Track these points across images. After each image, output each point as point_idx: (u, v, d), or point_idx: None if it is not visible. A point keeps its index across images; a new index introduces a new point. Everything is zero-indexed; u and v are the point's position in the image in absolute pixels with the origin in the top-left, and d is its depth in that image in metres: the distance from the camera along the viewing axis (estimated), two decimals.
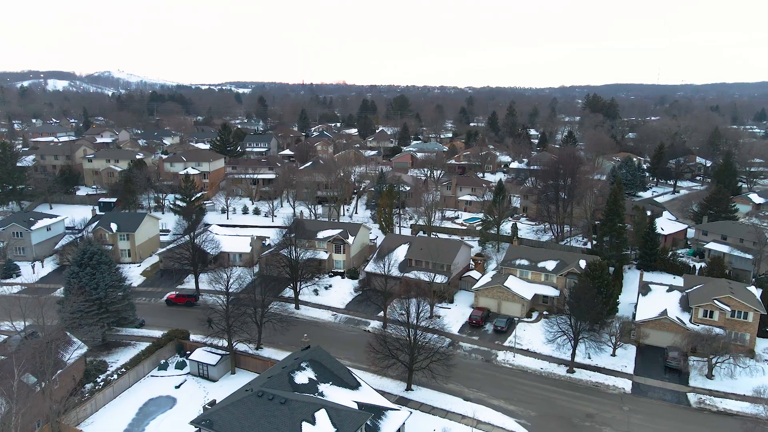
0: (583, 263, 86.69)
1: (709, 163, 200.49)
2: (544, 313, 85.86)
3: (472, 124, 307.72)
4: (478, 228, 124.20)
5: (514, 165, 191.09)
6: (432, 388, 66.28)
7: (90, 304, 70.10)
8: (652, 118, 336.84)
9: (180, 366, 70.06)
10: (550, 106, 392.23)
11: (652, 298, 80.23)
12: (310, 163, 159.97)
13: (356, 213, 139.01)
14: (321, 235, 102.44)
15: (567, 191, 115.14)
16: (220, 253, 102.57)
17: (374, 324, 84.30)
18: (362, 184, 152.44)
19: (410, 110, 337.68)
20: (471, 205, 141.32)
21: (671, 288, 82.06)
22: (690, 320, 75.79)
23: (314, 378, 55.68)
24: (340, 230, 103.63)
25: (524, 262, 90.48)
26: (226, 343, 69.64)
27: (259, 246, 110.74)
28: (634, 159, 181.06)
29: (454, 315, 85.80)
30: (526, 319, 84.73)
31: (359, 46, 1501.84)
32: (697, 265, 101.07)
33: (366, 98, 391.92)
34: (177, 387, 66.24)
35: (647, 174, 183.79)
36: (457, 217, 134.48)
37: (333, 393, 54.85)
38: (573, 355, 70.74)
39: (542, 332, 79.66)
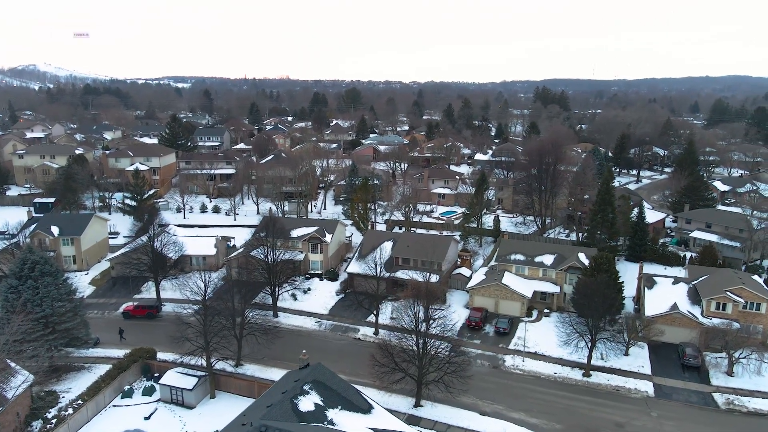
0: (582, 256, 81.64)
1: (664, 153, 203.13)
2: (545, 311, 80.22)
3: (425, 117, 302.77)
4: (457, 222, 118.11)
5: (479, 157, 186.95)
6: (443, 402, 59.00)
7: (34, 324, 58.61)
8: (595, 111, 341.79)
9: (148, 392, 59.80)
10: (496, 99, 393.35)
11: (659, 292, 75.88)
12: (271, 156, 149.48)
13: (324, 209, 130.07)
14: (295, 233, 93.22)
15: (551, 180, 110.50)
16: (181, 257, 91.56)
17: (364, 330, 76.22)
18: (327, 179, 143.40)
19: (362, 103, 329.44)
20: (445, 198, 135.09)
21: (676, 280, 78.04)
22: (701, 314, 71.80)
23: (321, 403, 47.14)
24: (315, 228, 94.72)
25: (520, 257, 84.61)
26: (201, 362, 59.92)
27: (224, 247, 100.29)
28: (601, 149, 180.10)
29: (449, 317, 78.63)
30: (526, 319, 78.81)
31: (302, 42, 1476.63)
32: (687, 255, 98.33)
33: (317, 92, 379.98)
34: (147, 418, 56.05)
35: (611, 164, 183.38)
36: (432, 211, 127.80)
37: (344, 420, 46.49)
38: (590, 357, 65.12)
39: (547, 332, 74.19)
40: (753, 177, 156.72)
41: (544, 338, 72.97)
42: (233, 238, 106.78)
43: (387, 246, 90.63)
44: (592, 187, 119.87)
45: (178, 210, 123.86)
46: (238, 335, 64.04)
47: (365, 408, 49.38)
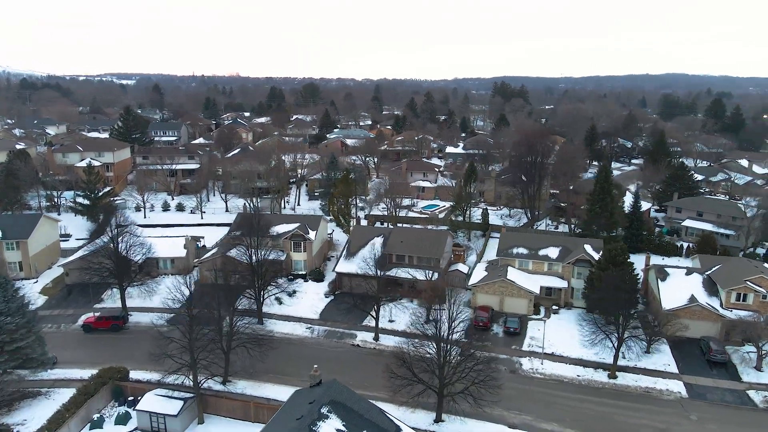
0: (589, 248, 76.80)
1: (630, 144, 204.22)
2: (554, 308, 74.94)
3: (385, 112, 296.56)
4: (442, 215, 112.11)
5: (450, 150, 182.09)
6: (466, 415, 52.34)
7: None
8: (549, 107, 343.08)
9: (122, 420, 50.67)
10: (453, 96, 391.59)
11: (673, 284, 71.66)
12: (237, 150, 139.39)
13: (299, 205, 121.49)
14: (275, 230, 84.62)
15: (539, 172, 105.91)
16: (146, 260, 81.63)
17: (362, 336, 68.80)
18: (298, 173, 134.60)
19: (321, 98, 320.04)
20: (425, 192, 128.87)
21: (689, 271, 74.10)
22: (720, 305, 67.97)
23: (343, 428, 39.71)
24: (297, 224, 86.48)
25: (523, 250, 79.06)
26: (186, 382, 51.26)
27: (194, 248, 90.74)
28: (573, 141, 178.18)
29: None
30: (534, 317, 73.37)
31: (250, 39, 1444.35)
32: (684, 245, 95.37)
33: (273, 87, 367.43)
34: None
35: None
36: (413, 205, 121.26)
37: None
38: (616, 357, 59.94)
39: (561, 330, 69.05)
40: (723, 166, 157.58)
41: (559, 337, 67.51)
42: (203, 237, 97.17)
43: (377, 242, 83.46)
44: (579, 178, 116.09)
45: (138, 209, 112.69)
46: (226, 348, 55.57)
47: (392, 431, 42.28)
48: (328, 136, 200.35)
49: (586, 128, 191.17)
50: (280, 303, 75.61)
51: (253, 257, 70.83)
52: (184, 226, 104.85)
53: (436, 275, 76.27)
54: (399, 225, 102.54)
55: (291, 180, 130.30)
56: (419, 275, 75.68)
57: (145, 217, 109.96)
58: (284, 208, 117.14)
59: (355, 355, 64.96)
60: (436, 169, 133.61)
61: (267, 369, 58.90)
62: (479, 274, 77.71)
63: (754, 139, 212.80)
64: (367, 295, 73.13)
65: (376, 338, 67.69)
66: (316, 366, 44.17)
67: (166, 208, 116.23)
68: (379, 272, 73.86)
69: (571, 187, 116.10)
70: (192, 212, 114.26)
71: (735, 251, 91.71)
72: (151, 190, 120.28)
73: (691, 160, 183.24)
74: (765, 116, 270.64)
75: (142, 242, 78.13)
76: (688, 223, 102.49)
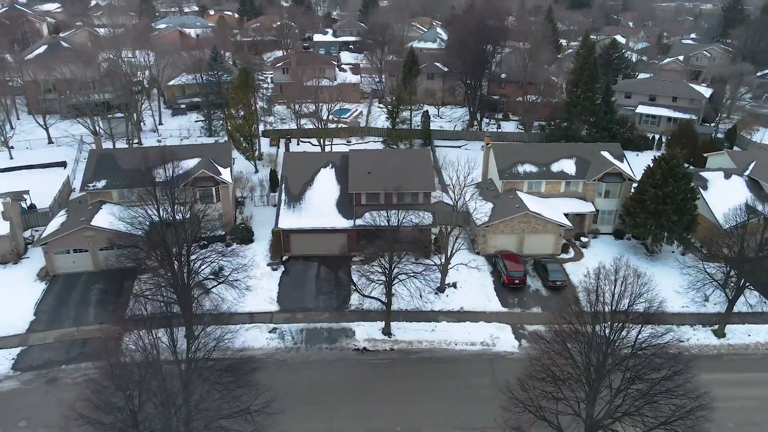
0: (609, 156, 59.21)
1: None
2: (582, 239, 57.38)
3: None
4: (363, 124, 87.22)
5: (319, 38, 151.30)
6: None
7: None
8: None
9: None
10: None
11: (717, 192, 57.64)
12: (41, 48, 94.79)
13: (161, 124, 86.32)
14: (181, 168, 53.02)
15: (489, 61, 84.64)
16: None
17: (362, 330, 44.71)
18: (144, 78, 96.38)
19: None
20: (323, 94, 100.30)
21: (727, 173, 60.37)
22: None
23: None
24: (197, 159, 55.93)
25: (531, 168, 58.81)
26: None
27: (18, 214, 55.72)
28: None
29: (464, 276, 51.13)
30: (564, 256, 55.34)
31: None
32: (656, 136, 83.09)
33: None
34: None
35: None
36: (317, 112, 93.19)
37: None
38: (730, 309, 44.38)
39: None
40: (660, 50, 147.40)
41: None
42: (26, 193, 61.01)
43: (327, 176, 57.14)
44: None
45: None
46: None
47: None
48: (156, 25, 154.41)
49: None
50: (208, 293, 46.98)
51: (162, 220, 40.87)
52: None
53: (429, 217, 53.36)
54: (302, 141, 75.97)
55: (136, 90, 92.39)
56: (415, 220, 51.99)
57: None
58: (142, 131, 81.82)
59: (374, 370, 41.13)
60: (334, 63, 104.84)
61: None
62: (481, 209, 56.26)
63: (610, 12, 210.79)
64: (330, 258, 49.55)
65: (387, 331, 44.29)
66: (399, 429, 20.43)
67: None
68: (350, 222, 49.39)
69: (504, 76, 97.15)
70: None
71: (707, 137, 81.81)
72: None
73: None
74: None
75: None
76: (642, 109, 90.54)
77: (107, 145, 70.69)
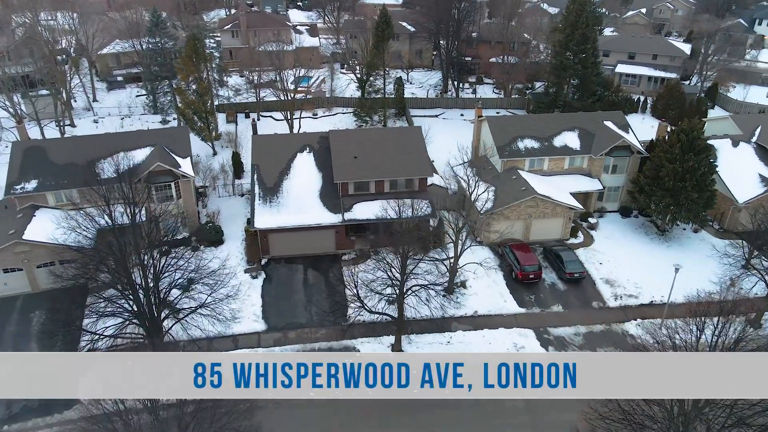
0: (614, 127, 54.06)
1: None
2: (590, 220, 52.55)
3: None
4: (328, 94, 78.81)
5: None
6: None
7: None
8: None
9: None
10: None
11: (727, 162, 53.69)
12: None
13: (96, 101, 74.96)
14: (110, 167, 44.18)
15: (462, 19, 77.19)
16: None
17: (369, 348, 38.44)
18: (70, 47, 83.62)
19: None
20: (280, 60, 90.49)
21: (735, 140, 56.48)
22: None
23: None
24: (149, 147, 46.99)
25: (532, 143, 52.96)
26: None
27: None
28: None
29: (470, 272, 45.37)
30: (573, 241, 50.43)
31: None
32: (641, 98, 78.78)
33: None
34: None
35: None
36: (275, 80, 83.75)
37: None
38: None
39: (630, 260, 47.44)
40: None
41: (639, 270, 46.06)
42: None
43: (306, 162, 49.54)
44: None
45: None
46: None
47: None
48: None
49: None
50: (177, 314, 39.07)
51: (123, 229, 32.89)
52: None
53: (427, 205, 46.96)
54: (256, 117, 67.64)
55: (61, 60, 79.84)
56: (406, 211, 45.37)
57: None
58: (73, 110, 70.45)
59: (395, 400, 35.09)
60: (289, 24, 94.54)
61: None
62: (482, 190, 50.15)
63: None
64: (317, 258, 43.67)
65: (398, 348, 38.17)
66: None
67: None
68: (340, 216, 42.58)
69: (474, 34, 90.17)
70: None
71: (691, 100, 78.21)
72: None
73: None
74: None
75: None
76: (621, 68, 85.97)
77: (33, 130, 59.81)
